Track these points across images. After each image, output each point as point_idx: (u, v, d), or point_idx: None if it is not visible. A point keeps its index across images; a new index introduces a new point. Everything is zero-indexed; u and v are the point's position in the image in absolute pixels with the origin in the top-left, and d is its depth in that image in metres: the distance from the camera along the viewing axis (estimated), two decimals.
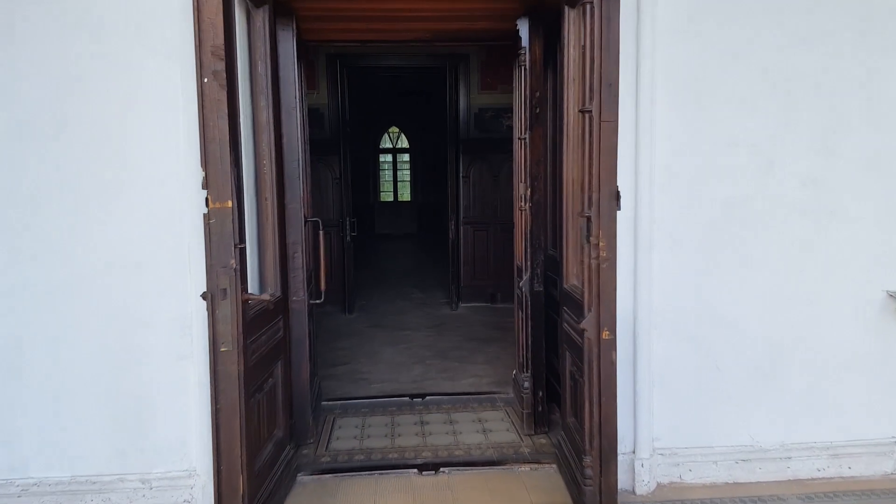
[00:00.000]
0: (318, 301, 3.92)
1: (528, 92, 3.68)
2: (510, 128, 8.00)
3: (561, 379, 3.37)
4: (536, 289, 3.77)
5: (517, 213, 4.37)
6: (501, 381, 4.86)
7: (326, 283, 3.83)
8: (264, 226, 3.09)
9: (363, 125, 18.00)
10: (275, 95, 3.21)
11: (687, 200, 3.13)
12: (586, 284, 2.54)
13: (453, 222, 7.74)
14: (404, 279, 10.10)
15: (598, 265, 2.51)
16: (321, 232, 3.90)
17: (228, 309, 2.46)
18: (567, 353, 3.17)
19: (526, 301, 3.80)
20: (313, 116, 7.64)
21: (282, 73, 3.52)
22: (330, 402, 4.45)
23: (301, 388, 3.67)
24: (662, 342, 3.16)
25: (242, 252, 2.52)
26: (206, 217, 2.44)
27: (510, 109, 8.20)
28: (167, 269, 2.96)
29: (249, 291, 2.81)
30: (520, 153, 3.97)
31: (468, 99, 7.82)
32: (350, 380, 5.01)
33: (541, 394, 3.77)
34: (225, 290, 2.46)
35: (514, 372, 4.51)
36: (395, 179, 18.49)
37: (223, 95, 2.41)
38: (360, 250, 12.81)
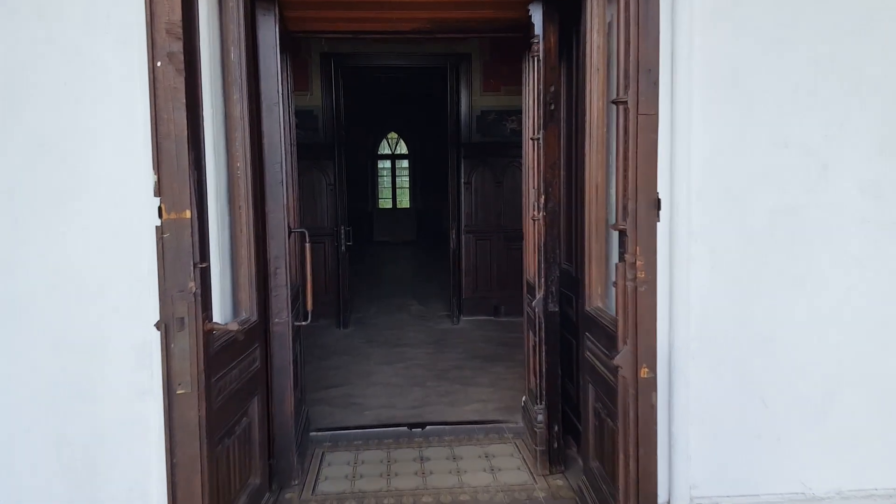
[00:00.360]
0: (304, 323, 3.47)
1: (541, 86, 3.24)
2: (514, 131, 7.58)
3: (582, 414, 2.92)
4: (551, 309, 3.33)
5: (528, 223, 3.93)
6: (509, 406, 4.41)
7: (314, 301, 3.39)
8: (238, 239, 2.65)
9: (361, 130, 17.59)
10: (252, 88, 2.77)
11: (729, 209, 2.69)
12: (620, 311, 2.10)
13: (454, 231, 7.30)
14: (403, 289, 9.65)
15: (636, 288, 2.07)
16: (308, 244, 3.45)
17: (186, 342, 2.01)
18: (590, 385, 2.73)
19: (539, 322, 3.36)
20: (306, 119, 7.22)
21: (262, 64, 3.08)
22: (319, 433, 3.99)
23: (284, 423, 3.22)
24: (700, 374, 2.71)
25: (205, 272, 2.07)
26: (159, 230, 2.00)
27: (514, 112, 7.80)
28: (124, 291, 2.51)
29: (215, 319, 2.37)
30: (532, 155, 3.54)
31: (470, 101, 7.39)
32: (342, 405, 4.55)
33: (556, 428, 3.32)
34: (182, 318, 2.01)
35: (524, 399, 4.06)
36: (394, 186, 18.07)
37: (180, 82, 1.97)
38: (356, 259, 12.37)
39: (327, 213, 7.32)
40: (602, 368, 2.51)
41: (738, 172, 2.68)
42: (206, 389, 2.09)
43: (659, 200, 2.11)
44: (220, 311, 2.51)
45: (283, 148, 3.19)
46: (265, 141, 3.11)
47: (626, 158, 2.08)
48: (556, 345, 3.34)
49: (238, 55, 2.62)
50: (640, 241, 2.07)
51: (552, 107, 3.24)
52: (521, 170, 7.64)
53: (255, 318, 2.68)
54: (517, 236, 7.94)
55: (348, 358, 5.80)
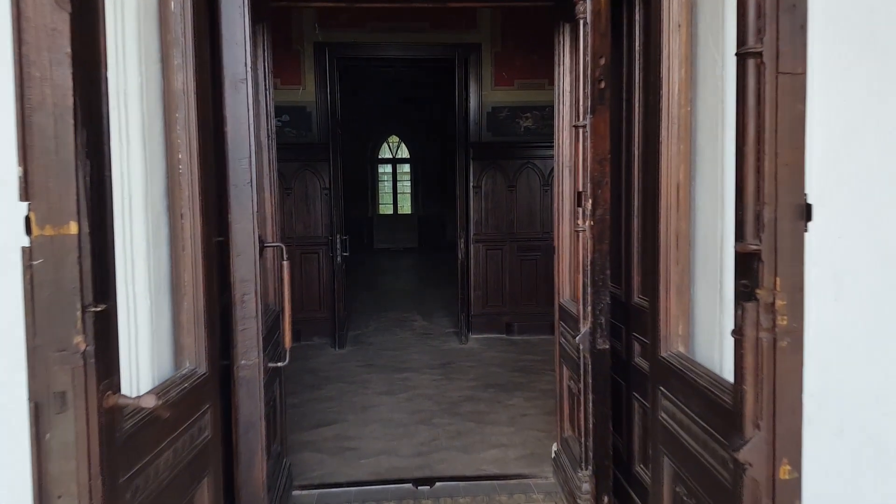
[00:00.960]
0: (280, 364, 2.71)
1: (588, 58, 2.50)
2: (529, 129, 6.85)
3: (652, 495, 2.16)
4: (601, 346, 2.56)
5: (562, 234, 3.20)
6: (534, 454, 3.65)
7: (291, 337, 2.63)
8: (179, 260, 1.90)
9: (361, 133, 16.88)
10: (204, 55, 2.02)
11: (860, 218, 1.94)
12: (750, 379, 1.34)
13: (462, 240, 6.55)
14: (405, 302, 8.90)
15: (774, 342, 1.33)
16: (286, 262, 2.70)
17: (71, 429, 1.27)
18: (667, 459, 1.97)
19: (585, 364, 2.60)
20: (299, 116, 6.48)
21: (225, 29, 2.34)
22: (304, 492, 3.23)
23: (252, 495, 2.46)
24: (815, 447, 1.97)
25: (104, 319, 1.32)
26: (27, 254, 1.26)
27: (529, 108, 7.05)
28: None
29: (140, 380, 1.62)
30: (572, 149, 2.80)
31: (480, 96, 6.65)
32: (334, 450, 3.79)
33: (607, 501, 2.56)
34: (63, 394, 1.27)
35: (555, 449, 3.30)
36: (395, 191, 17.34)
37: (63, 21, 1.23)
38: (355, 268, 11.65)
39: (321, 221, 6.58)
40: (692, 444, 1.75)
41: (874, 165, 1.94)
42: (109, 498, 1.34)
43: (809, 207, 1.37)
44: (151, 367, 1.75)
45: (252, 138, 2.44)
46: (228, 128, 2.36)
47: (758, 141, 1.33)
48: (608, 395, 2.58)
49: (181, 5, 1.87)
50: (782, 270, 1.32)
51: (602, 84, 2.49)
52: (536, 172, 6.91)
53: (203, 369, 1.93)
54: (532, 246, 7.20)
55: (343, 386, 5.04)
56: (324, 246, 6.50)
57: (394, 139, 17.24)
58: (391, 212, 17.37)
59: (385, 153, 17.30)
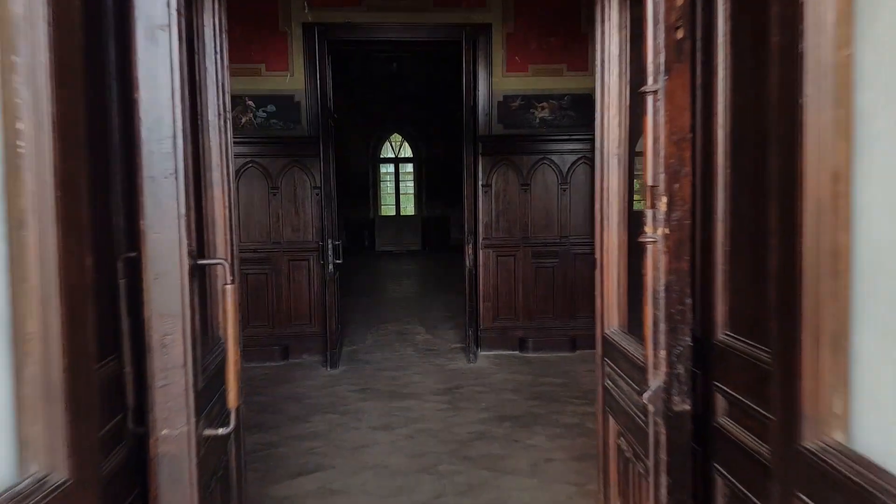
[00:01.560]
0: (222, 431, 1.95)
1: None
2: (545, 121, 6.11)
3: None
4: (679, 407, 1.80)
5: (609, 245, 2.48)
6: None
7: (238, 393, 1.88)
8: (19, 297, 1.17)
9: (360, 131, 16.16)
10: None
11: None
12: None
13: (470, 245, 5.80)
14: (406, 311, 8.17)
15: None
16: (229, 286, 1.93)
17: None
18: None
19: (656, 435, 1.84)
20: (286, 106, 5.76)
21: None
22: None
23: None
24: None
25: None
26: None
27: (546, 97, 6.29)
28: None
29: None
30: (644, 124, 2.04)
31: (490, 83, 5.91)
32: None
33: None
34: None
35: None
36: (398, 192, 16.62)
37: None
38: (356, 271, 10.93)
39: (312, 224, 5.84)
40: None
41: None
42: None
43: None
44: None
45: (180, 110, 1.70)
46: (141, 96, 1.62)
47: None
48: (688, 476, 1.82)
49: None
50: None
51: (680, 33, 1.74)
52: (553, 169, 6.14)
53: (62, 475, 1.19)
54: (548, 252, 6.45)
55: (333, 418, 4.30)
56: (314, 252, 5.77)
57: (396, 138, 16.53)
58: (394, 213, 16.65)
59: (387, 152, 16.59)
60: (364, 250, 16.16)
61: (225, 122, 2.39)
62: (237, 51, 5.45)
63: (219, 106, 2.33)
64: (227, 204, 2.34)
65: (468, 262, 5.65)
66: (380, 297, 9.33)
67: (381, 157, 16.55)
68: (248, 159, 5.79)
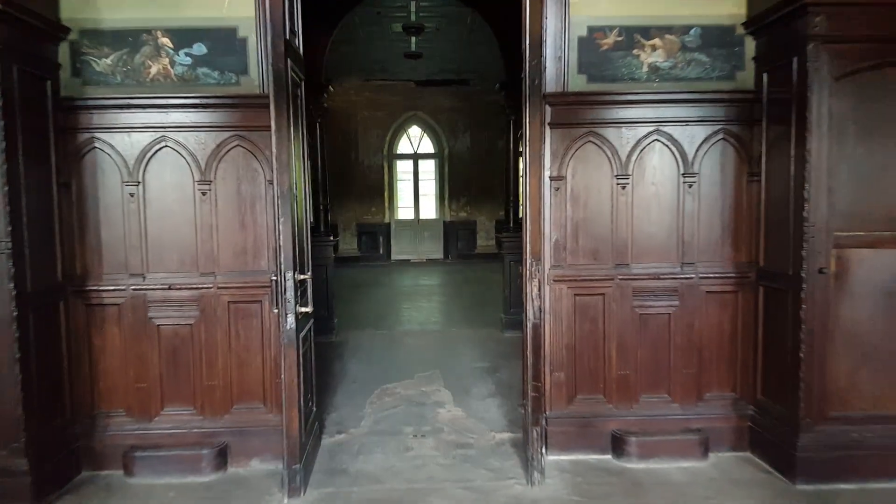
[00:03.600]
0: None
1: None
2: (657, 69, 3.53)
3: None
4: None
5: None
6: None
7: None
8: None
9: (374, 122, 13.77)
10: None
11: None
12: None
13: (529, 273, 3.33)
14: (424, 355, 5.74)
15: None
16: None
17: None
18: None
19: None
20: (225, 46, 3.39)
21: None
22: None
23: None
24: None
25: None
26: None
27: (656, 29, 3.17)
28: None
29: None
30: None
31: (565, 6, 3.46)
32: None
33: None
34: None
35: None
36: (416, 192, 14.21)
37: None
38: (361, 289, 8.47)
39: (268, 244, 3.44)
40: None
41: None
42: None
43: None
44: None
45: None
46: None
47: None
48: None
49: None
50: None
51: None
52: (670, 150, 2.92)
53: None
54: (661, 290, 3.43)
55: None
56: (264, 288, 3.37)
57: (415, 131, 14.13)
58: (412, 216, 14.24)
59: (404, 148, 14.19)
60: (378, 258, 13.77)
61: None
62: None
63: None
64: None
65: (532, 310, 3.18)
66: (387, 332, 6.90)
67: (397, 153, 14.15)
68: (158, 134, 3.40)
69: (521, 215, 4.22)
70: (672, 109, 3.48)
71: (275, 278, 3.05)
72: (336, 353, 5.83)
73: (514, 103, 6.25)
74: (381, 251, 13.95)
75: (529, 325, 3.11)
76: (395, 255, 13.94)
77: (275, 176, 2.96)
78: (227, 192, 3.44)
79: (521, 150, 4.66)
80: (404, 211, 14.25)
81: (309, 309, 3.11)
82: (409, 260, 13.88)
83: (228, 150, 3.42)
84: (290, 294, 2.98)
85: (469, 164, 13.93)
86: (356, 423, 4.08)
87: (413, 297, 9.21)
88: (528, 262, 3.10)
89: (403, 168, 14.26)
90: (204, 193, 3.43)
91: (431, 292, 9.70)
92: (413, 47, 10.63)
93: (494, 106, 13.42)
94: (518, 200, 6.57)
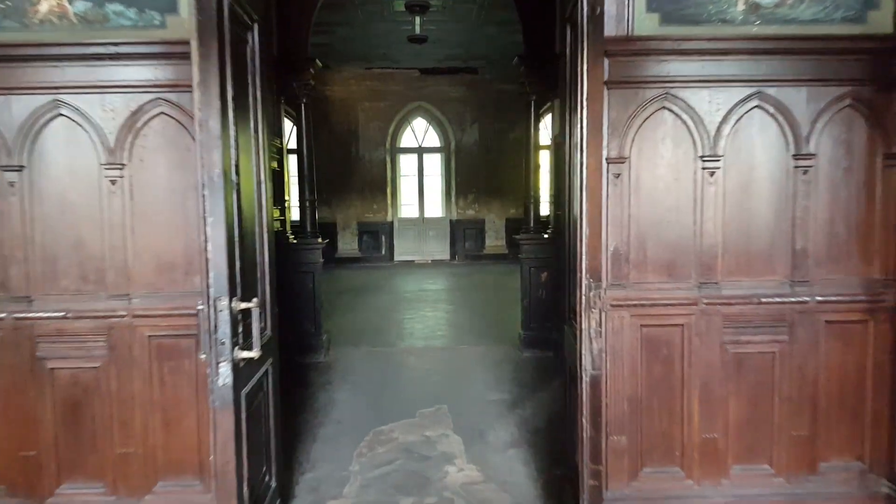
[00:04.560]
0: None
1: None
2: (756, 6, 2.50)
3: None
4: None
5: None
6: None
7: None
8: None
9: (376, 114, 12.74)
10: None
11: None
12: None
13: (592, 304, 2.28)
14: (426, 384, 4.70)
15: None
16: None
17: None
18: None
19: None
20: None
21: None
22: None
23: None
24: None
25: None
26: None
27: None
28: None
29: None
30: None
31: None
32: None
33: None
34: None
35: None
36: (421, 189, 13.17)
37: None
38: (363, 288, 7.39)
39: (196, 257, 2.39)
40: None
41: None
42: None
43: None
44: None
45: None
46: None
47: None
48: None
49: None
50: None
51: None
52: (775, 120, 1.56)
53: None
54: (763, 318, 2.21)
55: None
56: (186, 336, 2.32)
57: (420, 123, 13.07)
58: (416, 215, 13.19)
59: (408, 141, 13.13)
60: (380, 260, 12.75)
61: None
62: None
63: None
64: None
65: (590, 355, 2.11)
66: (386, 349, 5.86)
67: (400, 146, 13.10)
68: (50, 98, 2.36)
69: (550, 213, 3.16)
70: (778, 64, 2.42)
71: (202, 308, 2.00)
72: (322, 379, 4.79)
73: (536, 79, 5.18)
74: (383, 252, 12.92)
75: (585, 378, 2.06)
76: (398, 256, 12.91)
77: (199, 152, 1.91)
78: (149, 181, 2.40)
79: (552, 135, 3.60)
80: (408, 209, 13.20)
81: (254, 354, 2.05)
82: (412, 261, 12.85)
83: (150, 121, 2.38)
84: (222, 332, 1.94)
85: (477, 159, 12.88)
86: (338, 490, 3.04)
87: (416, 304, 8.16)
88: (585, 282, 2.05)
89: (407, 163, 13.21)
90: (114, 182, 2.38)
91: (437, 298, 8.64)
92: (417, 29, 9.55)
93: (505, 95, 12.34)
94: (534, 196, 5.49)
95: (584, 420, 2.08)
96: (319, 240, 5.35)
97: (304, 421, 3.91)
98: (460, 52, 11.11)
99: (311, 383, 4.68)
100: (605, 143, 2.36)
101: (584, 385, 2.07)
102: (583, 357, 2.06)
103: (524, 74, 5.30)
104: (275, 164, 5.43)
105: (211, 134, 1.91)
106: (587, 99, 2.01)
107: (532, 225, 5.43)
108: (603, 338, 2.15)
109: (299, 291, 5.20)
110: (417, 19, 9.11)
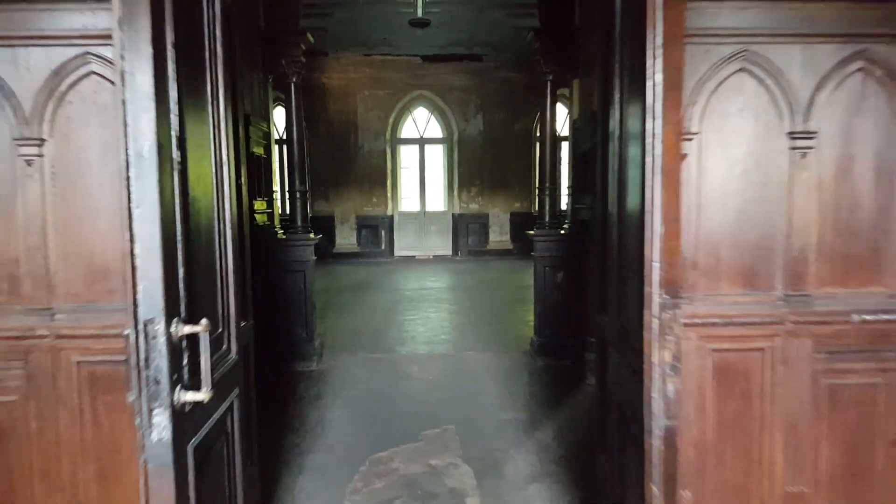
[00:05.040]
0: None
1: None
2: None
3: None
4: None
5: None
6: None
7: None
8: None
9: (376, 103, 12.17)
10: None
11: None
12: None
13: (666, 331, 1.73)
14: (430, 400, 4.15)
15: None
16: None
17: None
18: None
19: None
20: None
21: None
22: None
23: None
24: None
25: None
26: None
27: None
28: None
29: None
30: None
31: None
32: None
33: None
34: None
35: None
36: (422, 181, 12.61)
37: None
38: (362, 285, 6.79)
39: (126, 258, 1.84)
40: None
41: None
42: None
43: None
44: None
45: None
46: None
47: None
48: None
49: None
50: None
51: None
52: (884, 86, 1.72)
53: None
54: (871, 342, 1.49)
55: None
56: (109, 362, 1.77)
57: (422, 112, 12.50)
58: (417, 208, 12.65)
59: (409, 132, 12.57)
60: (379, 255, 12.22)
61: None
62: None
63: None
64: None
65: (661, 400, 1.56)
66: (385, 355, 5.32)
67: (401, 137, 12.53)
68: None
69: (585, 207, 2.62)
70: (885, 14, 1.86)
71: (129, 333, 1.44)
72: (312, 393, 4.25)
73: (553, 55, 4.62)
74: (382, 246, 12.39)
75: (656, 432, 1.51)
76: (399, 251, 12.39)
77: (123, 118, 1.35)
78: (77, 162, 1.84)
79: (571, 119, 3.06)
80: (408, 202, 12.66)
81: (201, 397, 1.49)
82: (413, 256, 12.33)
83: (76, 83, 1.83)
84: (156, 367, 1.39)
85: (481, 150, 12.33)
86: None
87: (418, 303, 7.61)
88: (657, 300, 1.50)
89: (408, 154, 12.65)
90: (30, 162, 1.83)
91: (440, 297, 8.10)
92: (419, 12, 8.96)
93: (511, 84, 11.77)
94: (551, 188, 4.93)
95: (653, 486, 1.54)
96: (312, 235, 4.79)
97: (290, 445, 3.37)
98: (464, 37, 10.53)
99: (301, 397, 4.14)
100: (684, 109, 1.80)
101: (654, 440, 1.52)
102: (652, 402, 1.51)
103: (539, 52, 4.73)
104: (260, 150, 4.87)
105: (138, 91, 1.35)
106: (664, 46, 1.46)
107: (548, 219, 4.87)
108: (681, 376, 1.61)
109: (289, 292, 4.65)
110: (419, 1, 8.54)
